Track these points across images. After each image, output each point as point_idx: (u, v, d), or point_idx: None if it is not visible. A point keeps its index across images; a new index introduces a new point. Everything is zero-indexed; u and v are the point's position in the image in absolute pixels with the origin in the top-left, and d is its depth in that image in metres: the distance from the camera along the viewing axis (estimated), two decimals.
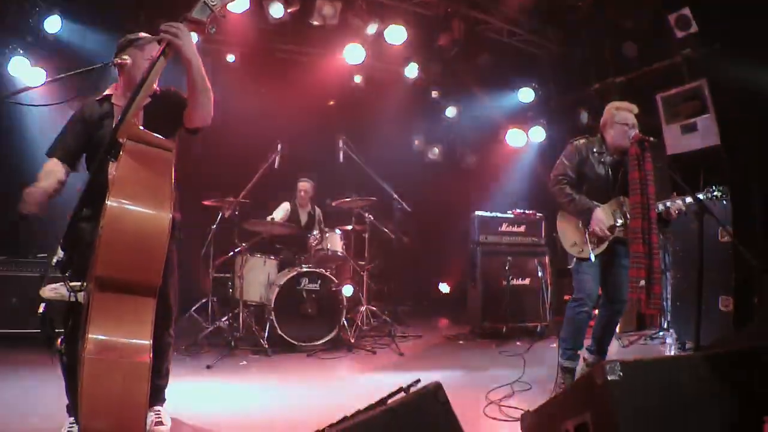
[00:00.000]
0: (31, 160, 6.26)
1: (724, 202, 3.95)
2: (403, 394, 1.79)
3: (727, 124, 5.87)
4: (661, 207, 3.98)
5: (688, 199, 3.91)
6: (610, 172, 4.16)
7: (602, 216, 4.03)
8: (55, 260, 2.50)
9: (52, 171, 2.91)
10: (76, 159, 3.04)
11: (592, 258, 4.02)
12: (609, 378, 1.96)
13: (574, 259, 4.13)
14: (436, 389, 1.71)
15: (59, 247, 2.49)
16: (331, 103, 8.92)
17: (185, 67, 2.62)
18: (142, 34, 3.05)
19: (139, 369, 2.04)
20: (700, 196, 3.87)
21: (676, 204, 3.98)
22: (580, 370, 4.21)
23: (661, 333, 6.18)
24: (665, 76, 6.60)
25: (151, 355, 2.07)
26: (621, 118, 4.13)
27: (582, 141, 4.26)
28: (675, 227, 5.92)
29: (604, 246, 4.09)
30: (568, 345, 4.12)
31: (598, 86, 7.64)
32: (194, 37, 2.62)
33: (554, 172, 4.24)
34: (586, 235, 4.07)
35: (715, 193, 3.91)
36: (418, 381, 1.80)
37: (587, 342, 4.27)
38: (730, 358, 2.44)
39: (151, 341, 2.10)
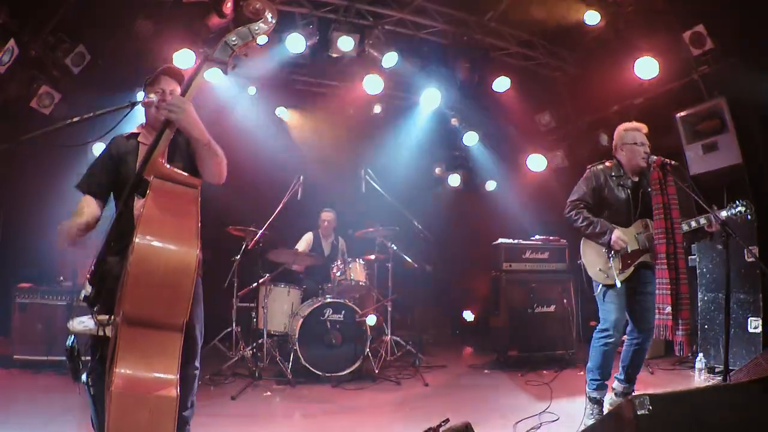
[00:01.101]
0: (57, 196, 6.47)
1: (749, 216, 3.93)
2: None
3: (747, 141, 5.80)
4: (685, 227, 3.95)
5: (703, 220, 3.91)
6: (630, 195, 4.14)
7: (622, 234, 3.99)
8: (83, 295, 2.55)
9: (87, 207, 2.91)
10: (108, 194, 3.04)
11: (618, 283, 3.96)
12: (638, 412, 1.94)
13: (600, 286, 4.06)
14: (465, 429, 1.70)
15: (87, 282, 2.54)
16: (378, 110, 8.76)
17: (187, 136, 2.65)
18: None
19: (166, 403, 2.06)
20: (724, 212, 3.89)
21: (701, 222, 3.95)
22: (609, 400, 4.14)
23: (690, 357, 6.05)
24: (684, 95, 6.57)
25: (178, 389, 2.09)
26: (629, 138, 4.14)
27: (599, 166, 4.24)
28: (701, 249, 5.84)
29: (629, 271, 4.03)
30: (596, 376, 4.04)
31: (617, 108, 7.62)
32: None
33: (571, 197, 4.21)
34: (611, 261, 4.02)
35: (739, 209, 3.89)
36: (447, 420, 1.79)
37: (615, 371, 4.20)
38: (759, 386, 2.39)
39: (178, 375, 2.12)
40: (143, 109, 3.03)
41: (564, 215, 4.21)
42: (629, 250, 4.00)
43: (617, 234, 3.96)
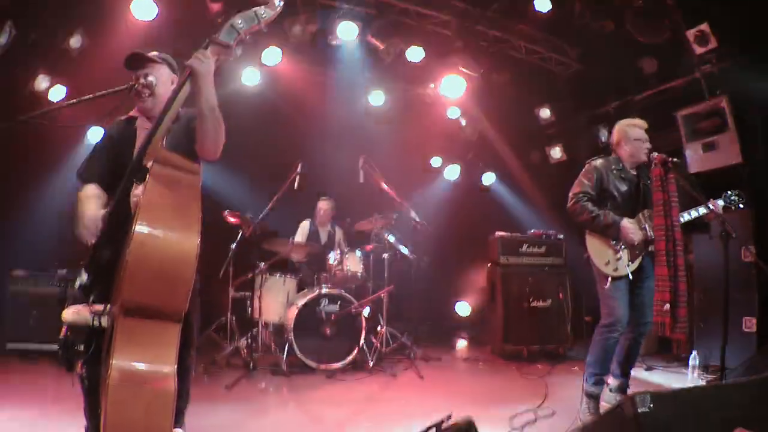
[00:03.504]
0: (52, 181, 6.43)
1: (741, 206, 4.07)
2: (434, 430, 1.75)
3: (748, 141, 5.80)
4: (686, 216, 4.02)
5: (703, 210, 4.03)
6: (632, 187, 4.15)
7: (632, 225, 3.99)
8: (78, 283, 2.49)
9: (95, 196, 2.79)
10: (109, 181, 2.90)
11: (630, 275, 3.98)
12: (639, 410, 1.92)
13: (609, 279, 4.02)
14: (468, 426, 1.67)
15: (83, 270, 2.48)
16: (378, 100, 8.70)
17: (195, 94, 2.53)
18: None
19: (164, 396, 2.02)
20: (720, 201, 4.05)
21: (701, 212, 4.02)
22: (604, 395, 4.13)
23: (683, 355, 6.06)
24: (685, 93, 6.56)
25: (176, 381, 2.05)
26: (636, 134, 4.17)
27: (599, 161, 4.24)
28: (698, 247, 5.84)
29: (638, 261, 4.05)
30: (595, 370, 4.04)
31: (618, 104, 7.61)
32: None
33: (573, 190, 4.20)
34: (620, 252, 4.02)
35: (732, 198, 4.05)
36: (450, 417, 1.76)
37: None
38: (758, 385, 2.38)
39: (176, 367, 2.08)
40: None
41: (567, 208, 4.19)
42: (639, 242, 4.00)
43: (627, 227, 3.96)
